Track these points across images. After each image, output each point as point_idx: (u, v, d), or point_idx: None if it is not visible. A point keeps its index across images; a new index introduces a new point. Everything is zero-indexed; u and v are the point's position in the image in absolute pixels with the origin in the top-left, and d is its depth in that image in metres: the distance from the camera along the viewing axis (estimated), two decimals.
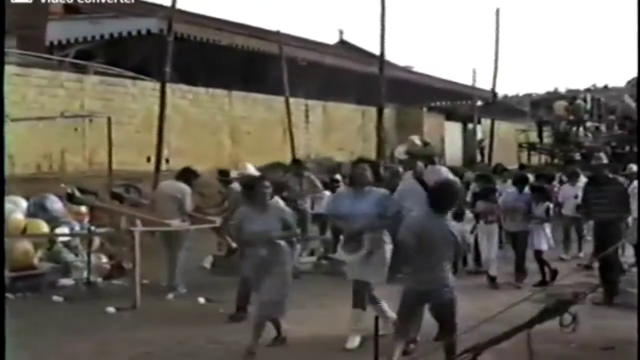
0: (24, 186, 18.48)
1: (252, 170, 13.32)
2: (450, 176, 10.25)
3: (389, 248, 9.56)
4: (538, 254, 15.30)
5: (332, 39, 57.87)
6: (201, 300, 13.19)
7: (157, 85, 25.59)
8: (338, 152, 37.06)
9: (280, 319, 9.83)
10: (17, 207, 15.91)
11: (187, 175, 14.58)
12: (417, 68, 58.99)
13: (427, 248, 7.88)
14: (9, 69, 24.12)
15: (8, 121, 20.00)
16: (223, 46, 33.41)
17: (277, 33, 33.40)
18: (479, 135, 49.80)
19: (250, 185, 10.24)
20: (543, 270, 15.08)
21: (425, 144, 10.19)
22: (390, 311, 9.47)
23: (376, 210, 9.40)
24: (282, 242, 9.76)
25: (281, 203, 10.46)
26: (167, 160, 25.16)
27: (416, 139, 10.18)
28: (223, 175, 17.11)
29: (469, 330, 6.45)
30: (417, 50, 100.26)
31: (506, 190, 16.69)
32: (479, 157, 47.33)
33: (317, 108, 38.16)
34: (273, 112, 33.56)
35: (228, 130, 31.64)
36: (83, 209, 16.34)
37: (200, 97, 31.06)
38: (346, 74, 41.69)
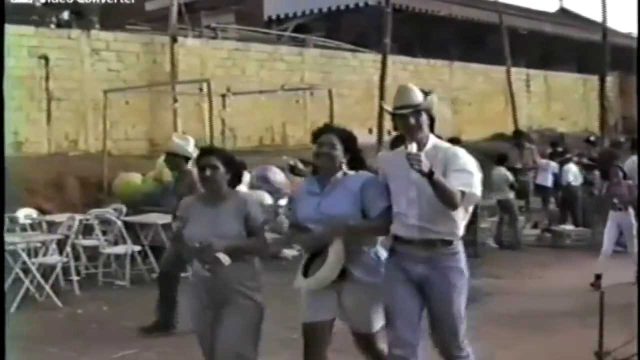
0: (246, 158, 18.58)
1: (177, 142, 10.18)
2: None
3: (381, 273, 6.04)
4: None
5: (552, 7, 56.52)
6: None
7: (377, 57, 25.55)
8: (560, 123, 36.07)
9: None
10: (241, 179, 16.13)
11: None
12: None
13: None
14: (228, 44, 24.56)
15: (230, 95, 20.47)
16: (441, 17, 33.16)
17: (496, 3, 32.80)
18: None
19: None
20: None
21: (426, 94, 6.07)
22: None
23: (355, 208, 6.01)
24: (246, 256, 6.18)
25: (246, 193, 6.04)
26: (389, 132, 25.02)
27: (412, 85, 6.23)
28: None
29: None
30: None
31: None
32: None
33: (538, 77, 37.16)
34: (493, 83, 32.91)
35: (449, 101, 31.26)
36: None
37: (421, 69, 30.71)
38: (567, 43, 40.57)
